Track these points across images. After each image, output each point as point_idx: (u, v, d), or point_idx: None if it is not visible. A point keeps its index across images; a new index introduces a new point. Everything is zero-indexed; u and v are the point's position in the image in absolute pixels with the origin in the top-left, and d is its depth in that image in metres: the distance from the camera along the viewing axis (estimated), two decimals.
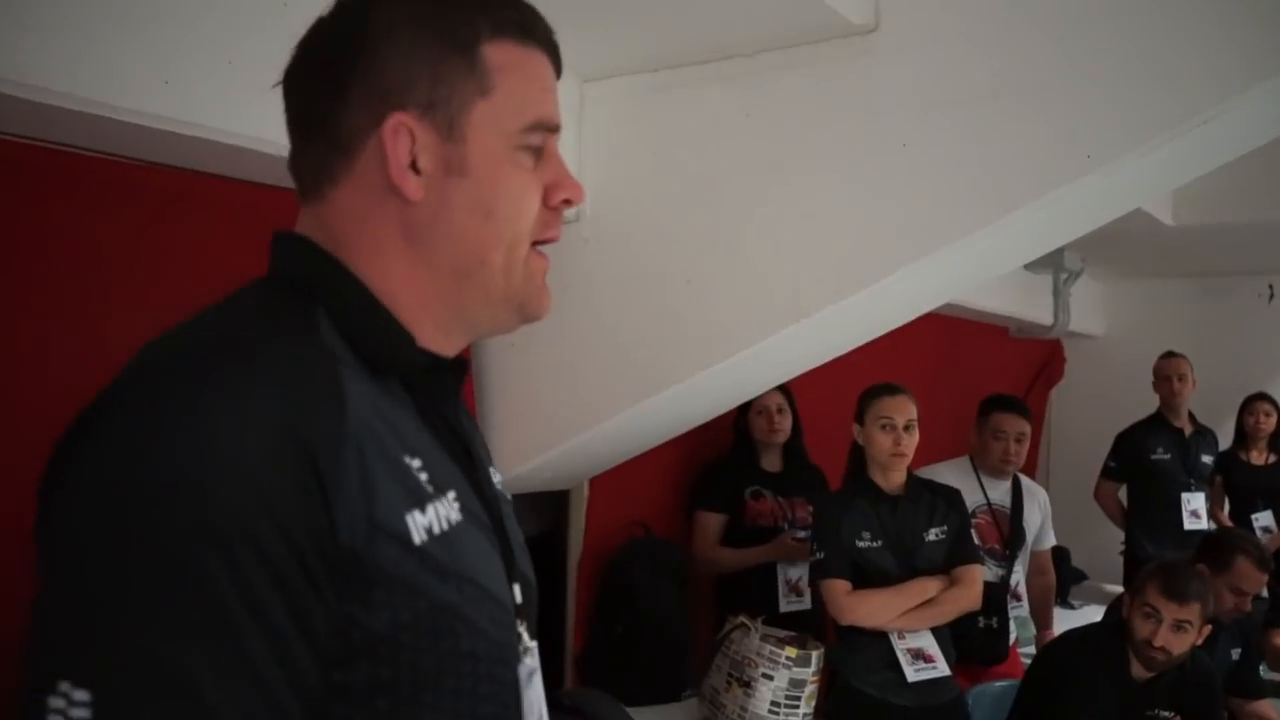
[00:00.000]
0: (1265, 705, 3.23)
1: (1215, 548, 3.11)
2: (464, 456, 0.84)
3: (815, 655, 2.58)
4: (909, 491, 2.67)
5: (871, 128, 2.08)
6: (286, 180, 0.85)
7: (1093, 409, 5.35)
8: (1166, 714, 2.62)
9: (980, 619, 2.94)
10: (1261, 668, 3.56)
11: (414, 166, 0.78)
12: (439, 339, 0.83)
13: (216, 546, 0.63)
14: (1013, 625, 3.20)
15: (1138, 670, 2.61)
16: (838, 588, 2.56)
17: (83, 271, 1.81)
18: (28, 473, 0.72)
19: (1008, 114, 1.95)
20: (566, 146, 2.71)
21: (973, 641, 2.94)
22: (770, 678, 2.57)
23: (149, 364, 0.70)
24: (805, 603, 3.10)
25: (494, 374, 2.57)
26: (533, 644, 0.86)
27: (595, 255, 2.41)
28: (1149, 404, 4.53)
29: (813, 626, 2.90)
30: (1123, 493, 4.59)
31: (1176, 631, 2.54)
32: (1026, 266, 4.34)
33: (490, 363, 2.57)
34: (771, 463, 3.29)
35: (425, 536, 0.73)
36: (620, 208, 2.40)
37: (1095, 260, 4.96)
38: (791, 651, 2.56)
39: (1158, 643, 2.54)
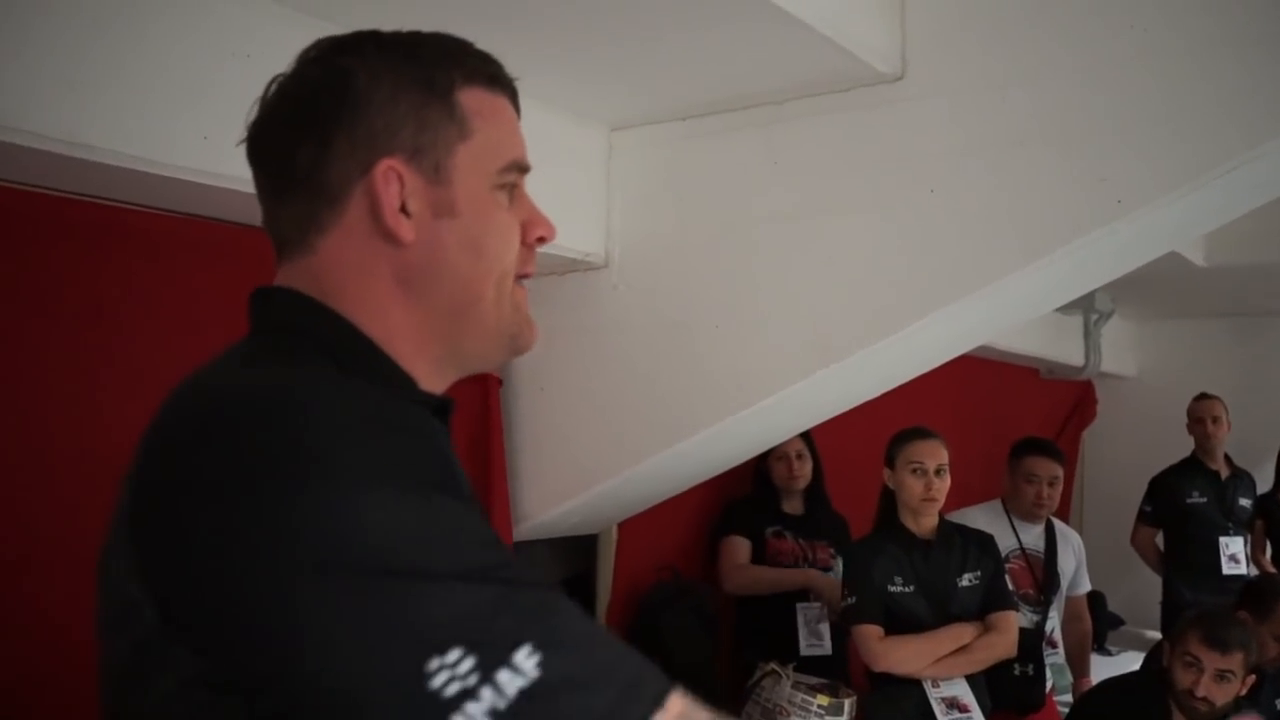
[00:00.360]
0: None
1: (1258, 594, 3.04)
2: (470, 495, 0.86)
3: (848, 704, 2.54)
4: (941, 536, 2.65)
5: (899, 174, 2.10)
6: None
7: (1126, 451, 5.28)
8: None
9: (1015, 666, 2.88)
10: None
11: (403, 210, 0.80)
12: (432, 380, 0.85)
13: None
14: (1049, 672, 3.13)
15: None
16: (870, 633, 2.54)
17: (136, 321, 1.86)
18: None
19: (1036, 160, 1.95)
20: (596, 193, 2.72)
21: (1008, 689, 2.88)
22: None
23: (235, 415, 0.68)
24: (825, 648, 3.05)
25: (524, 418, 2.59)
26: None
27: (624, 301, 2.43)
28: (1183, 446, 4.47)
29: (833, 672, 2.85)
30: (1160, 538, 4.52)
31: (1219, 681, 2.48)
32: (1057, 308, 4.31)
33: (520, 407, 2.59)
34: (793, 506, 3.27)
35: None
36: (649, 254, 2.42)
37: (1126, 301, 4.92)
38: (824, 700, 2.53)
39: (1200, 693, 2.48)
